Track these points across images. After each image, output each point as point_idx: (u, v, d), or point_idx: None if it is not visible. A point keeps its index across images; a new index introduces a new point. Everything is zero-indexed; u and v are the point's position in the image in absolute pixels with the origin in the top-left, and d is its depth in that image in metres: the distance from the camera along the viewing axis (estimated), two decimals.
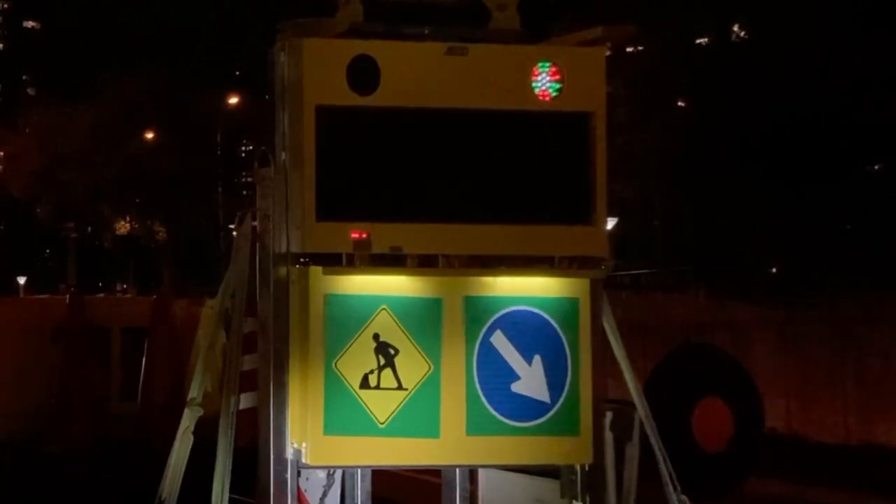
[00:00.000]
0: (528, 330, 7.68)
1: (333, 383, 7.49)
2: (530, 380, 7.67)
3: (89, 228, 68.33)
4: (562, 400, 7.69)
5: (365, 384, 7.51)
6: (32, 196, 62.14)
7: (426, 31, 7.90)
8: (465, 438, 7.61)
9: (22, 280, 63.91)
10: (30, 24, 75.45)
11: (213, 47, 57.25)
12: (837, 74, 33.20)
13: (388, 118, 7.58)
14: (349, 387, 7.50)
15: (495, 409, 7.63)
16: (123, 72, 58.29)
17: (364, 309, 7.53)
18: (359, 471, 8.47)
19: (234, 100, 61.34)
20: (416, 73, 7.61)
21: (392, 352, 7.54)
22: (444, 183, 7.63)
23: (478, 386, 7.62)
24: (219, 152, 61.79)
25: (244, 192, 56.41)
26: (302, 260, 7.60)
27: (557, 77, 7.74)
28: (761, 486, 16.67)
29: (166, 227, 65.16)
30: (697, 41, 41.54)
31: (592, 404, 7.75)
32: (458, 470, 8.60)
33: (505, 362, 7.66)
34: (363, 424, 7.50)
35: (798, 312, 27.92)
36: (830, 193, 33.95)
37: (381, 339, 7.54)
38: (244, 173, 61.15)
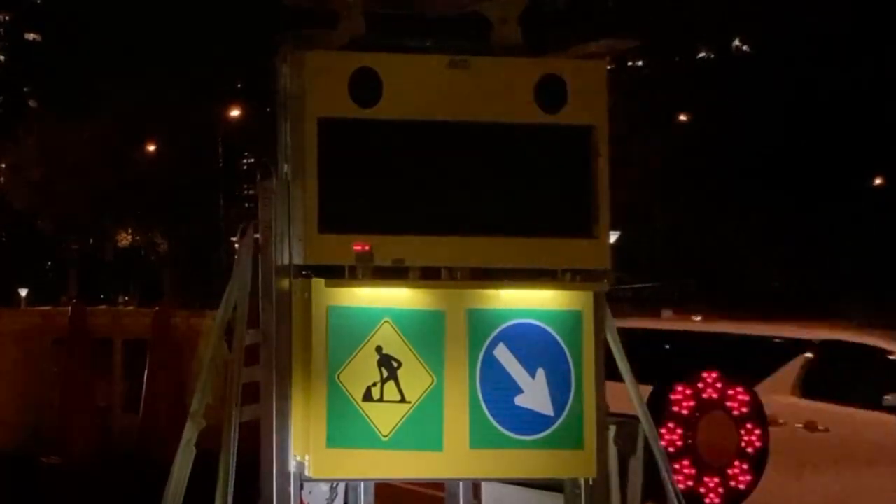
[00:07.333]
0: (531, 343, 7.65)
1: (336, 396, 7.46)
2: (534, 393, 7.64)
3: (91, 240, 68.33)
4: (565, 413, 7.66)
5: (368, 397, 7.48)
6: (34, 208, 62.13)
7: (428, 44, 7.89)
8: (468, 452, 7.57)
9: (24, 292, 63.81)
10: (31, 36, 75.45)
11: (214, 59, 57.22)
12: (838, 88, 33.22)
13: (390, 130, 7.57)
14: (352, 399, 7.47)
15: (499, 422, 7.59)
16: (124, 83, 58.27)
17: (367, 321, 7.51)
18: (362, 484, 8.46)
19: (235, 112, 61.34)
20: (418, 86, 7.61)
21: (395, 364, 7.52)
22: (446, 195, 7.61)
23: (481, 399, 7.58)
24: (220, 164, 61.80)
25: (246, 204, 56.42)
26: (304, 272, 7.58)
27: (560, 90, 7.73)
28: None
29: (167, 239, 65.15)
30: (699, 55, 41.64)
31: (596, 417, 7.73)
32: (461, 483, 8.59)
33: (508, 375, 7.63)
34: (366, 437, 7.47)
35: None
36: (833, 207, 33.97)
37: (384, 351, 7.52)
38: (246, 185, 61.18)
